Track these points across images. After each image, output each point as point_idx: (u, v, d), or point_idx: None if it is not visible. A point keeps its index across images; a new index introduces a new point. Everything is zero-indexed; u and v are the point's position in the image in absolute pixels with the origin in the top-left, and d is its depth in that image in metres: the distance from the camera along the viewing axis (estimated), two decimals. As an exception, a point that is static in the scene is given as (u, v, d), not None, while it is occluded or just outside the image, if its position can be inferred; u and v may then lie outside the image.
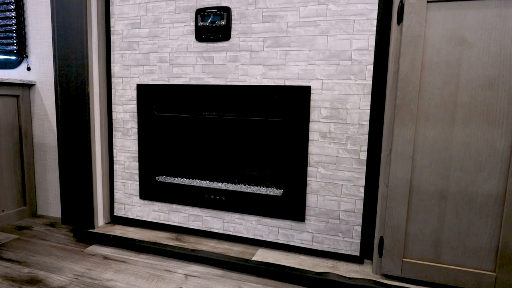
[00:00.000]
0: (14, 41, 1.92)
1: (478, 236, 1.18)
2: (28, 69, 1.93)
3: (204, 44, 1.50)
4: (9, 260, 1.47)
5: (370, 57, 1.29)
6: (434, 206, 1.21)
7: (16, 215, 1.92)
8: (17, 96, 1.88)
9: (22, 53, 1.92)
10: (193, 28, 1.50)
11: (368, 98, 1.31)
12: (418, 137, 1.20)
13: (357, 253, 1.40)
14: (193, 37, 1.51)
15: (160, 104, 1.64)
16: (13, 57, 1.94)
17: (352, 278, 1.28)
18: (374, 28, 1.27)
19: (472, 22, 1.11)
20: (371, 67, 1.29)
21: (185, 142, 1.71)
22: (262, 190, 1.53)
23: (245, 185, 1.59)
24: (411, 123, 1.20)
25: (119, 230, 1.69)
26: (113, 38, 1.65)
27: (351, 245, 1.40)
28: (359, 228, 1.38)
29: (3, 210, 1.85)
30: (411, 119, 1.19)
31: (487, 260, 1.18)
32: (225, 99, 1.53)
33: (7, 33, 1.93)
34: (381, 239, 1.29)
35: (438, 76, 1.16)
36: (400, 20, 1.18)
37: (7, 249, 1.57)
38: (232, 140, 1.62)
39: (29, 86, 1.93)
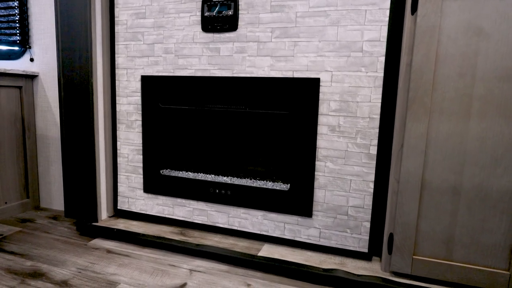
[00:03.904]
0: (17, 31, 1.89)
1: (492, 234, 1.14)
2: (31, 60, 1.90)
3: (210, 35, 1.46)
4: (12, 252, 1.45)
5: (382, 48, 1.25)
6: (447, 202, 1.17)
7: (19, 208, 1.90)
8: (20, 87, 1.85)
9: (25, 44, 1.89)
10: (199, 18, 1.47)
11: (379, 91, 1.27)
12: (431, 131, 1.16)
13: (366, 250, 1.37)
14: (199, 27, 1.47)
15: (165, 96, 1.61)
16: (16, 48, 1.91)
17: (361, 275, 1.25)
18: (387, 19, 1.23)
19: (490, 12, 1.06)
20: (382, 59, 1.25)
21: (190, 135, 1.68)
22: (269, 185, 1.50)
23: (251, 179, 1.56)
24: (424, 117, 1.16)
25: (122, 224, 1.67)
26: (117, 28, 1.62)
27: (359, 241, 1.37)
28: (367, 224, 1.35)
29: (6, 203, 1.83)
30: (424, 112, 1.16)
31: (501, 259, 1.14)
32: (231, 91, 1.50)
33: (10, 23, 1.90)
34: (391, 236, 1.26)
35: (453, 68, 1.12)
36: (414, 9, 1.14)
37: (10, 242, 1.55)
38: (238, 133, 1.59)
39: (32, 77, 1.90)
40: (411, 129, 1.18)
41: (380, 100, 1.27)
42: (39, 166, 1.99)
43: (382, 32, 1.24)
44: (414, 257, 1.23)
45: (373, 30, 1.25)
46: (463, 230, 1.17)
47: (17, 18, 1.88)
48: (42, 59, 1.88)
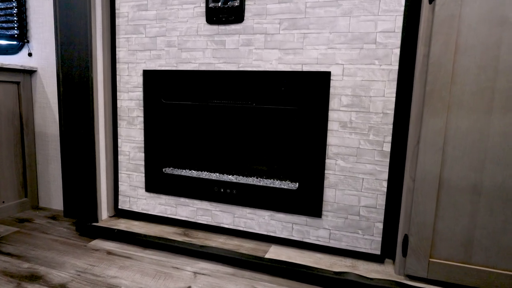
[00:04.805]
0: (15, 25, 1.83)
1: (514, 236, 1.08)
2: (30, 54, 1.84)
3: (215, 27, 1.40)
4: (8, 254, 1.39)
5: (396, 39, 1.18)
6: (466, 202, 1.11)
7: (17, 207, 1.84)
8: (18, 83, 1.80)
9: (23, 38, 1.83)
10: (204, 9, 1.40)
11: (394, 84, 1.20)
12: (449, 127, 1.10)
13: (378, 252, 1.31)
14: (203, 19, 1.41)
15: (168, 91, 1.55)
16: (14, 42, 1.85)
17: (374, 279, 1.19)
18: (402, 8, 1.16)
19: (514, 0, 1.00)
20: (397, 51, 1.19)
21: (194, 132, 1.62)
22: (276, 184, 1.44)
23: (257, 178, 1.50)
24: (442, 112, 1.09)
25: (123, 224, 1.61)
26: (118, 21, 1.55)
27: (372, 243, 1.31)
28: (380, 225, 1.29)
29: (3, 202, 1.78)
30: (443, 107, 1.09)
31: (524, 262, 1.08)
32: (237, 85, 1.44)
33: (8, 17, 1.84)
34: (406, 237, 1.20)
35: (474, 60, 1.05)
36: (432, -2, 1.08)
37: (7, 243, 1.49)
38: (244, 129, 1.53)
39: (30, 72, 1.84)
40: (428, 125, 1.11)
41: (394, 95, 1.21)
42: (37, 164, 1.93)
43: (397, 22, 1.17)
44: (430, 259, 1.16)
45: (388, 20, 1.18)
46: (483, 231, 1.11)
47: (15, 12, 1.82)
48: (40, 53, 1.82)
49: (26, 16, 1.82)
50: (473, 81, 1.06)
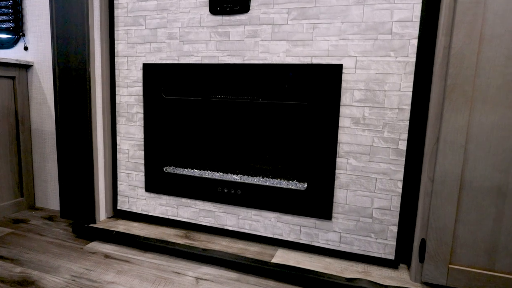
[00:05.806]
0: (10, 18, 1.75)
1: (543, 241, 1.00)
2: (25, 48, 1.77)
3: (219, 18, 1.32)
4: (0, 257, 1.32)
5: (414, 29, 1.10)
6: (490, 204, 1.03)
7: (12, 207, 1.77)
8: (13, 78, 1.72)
9: (18, 31, 1.76)
10: (207, -1, 1.33)
11: (411, 78, 1.12)
12: (472, 124, 1.02)
13: (392, 257, 1.23)
14: (206, 9, 1.33)
15: (169, 86, 1.47)
16: (9, 36, 1.78)
17: (390, 286, 1.11)
18: (421, -5, 1.08)
19: (545, -16, 0.92)
20: (415, 42, 1.10)
21: (197, 129, 1.54)
22: (283, 184, 1.36)
23: (263, 177, 1.42)
24: (465, 107, 1.01)
25: (122, 226, 1.54)
26: (117, 12, 1.48)
27: (385, 247, 1.23)
28: (395, 229, 1.21)
29: (-3, 202, 1.71)
30: (465, 102, 1.01)
31: (554, 270, 1.00)
32: (242, 80, 1.36)
33: (3, 9, 1.76)
34: (423, 242, 1.12)
35: (500, 51, 0.97)
36: (454, -17, 0.99)
37: (0, 245, 1.42)
38: (250, 126, 1.45)
39: (26, 67, 1.77)
40: (449, 121, 1.03)
41: (411, 89, 1.13)
42: (34, 163, 1.86)
43: (415, 11, 1.09)
44: (450, 266, 1.08)
45: (405, 9, 1.10)
46: (509, 236, 1.02)
47: (10, 3, 1.74)
48: (37, 47, 1.75)
49: (21, 8, 1.74)
50: (499, 73, 0.98)
